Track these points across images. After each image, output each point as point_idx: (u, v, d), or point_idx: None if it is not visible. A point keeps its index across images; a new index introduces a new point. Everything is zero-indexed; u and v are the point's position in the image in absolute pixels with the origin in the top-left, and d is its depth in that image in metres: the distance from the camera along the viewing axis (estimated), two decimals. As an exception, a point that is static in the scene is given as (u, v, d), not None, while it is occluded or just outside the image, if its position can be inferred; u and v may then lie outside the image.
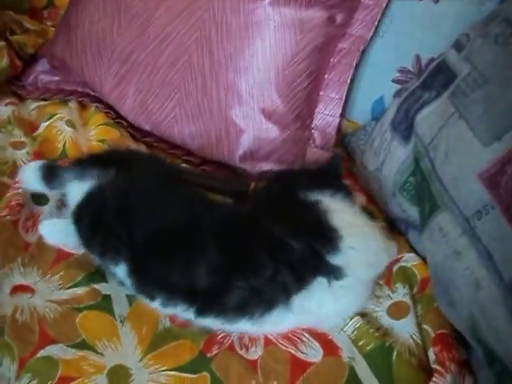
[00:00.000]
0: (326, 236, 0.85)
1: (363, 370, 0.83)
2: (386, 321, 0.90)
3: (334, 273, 0.84)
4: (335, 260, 0.84)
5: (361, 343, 0.86)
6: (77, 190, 0.91)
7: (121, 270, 0.87)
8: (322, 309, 0.86)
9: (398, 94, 1.10)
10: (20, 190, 1.00)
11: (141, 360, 0.83)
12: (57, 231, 0.94)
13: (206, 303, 0.83)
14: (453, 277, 0.82)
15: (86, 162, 0.97)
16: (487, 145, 0.81)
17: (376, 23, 1.13)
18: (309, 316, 0.86)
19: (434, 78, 0.99)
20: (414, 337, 0.87)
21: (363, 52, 1.17)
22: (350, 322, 0.89)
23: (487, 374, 0.78)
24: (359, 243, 0.86)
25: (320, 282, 0.84)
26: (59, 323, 0.85)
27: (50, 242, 0.93)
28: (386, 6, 1.14)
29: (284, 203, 0.92)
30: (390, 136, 1.03)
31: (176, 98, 1.14)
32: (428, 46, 1.12)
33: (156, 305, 0.86)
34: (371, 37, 1.16)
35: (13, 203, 0.97)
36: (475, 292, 0.78)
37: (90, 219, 0.88)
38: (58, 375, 0.79)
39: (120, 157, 0.99)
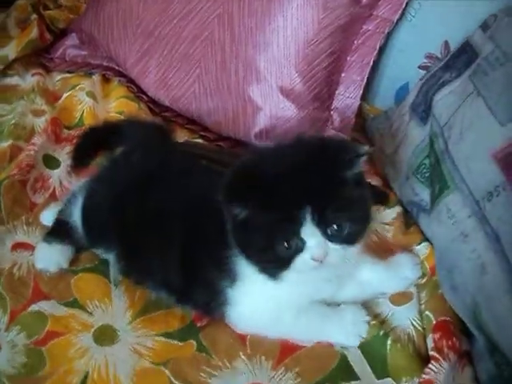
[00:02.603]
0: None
1: (356, 357, 0.79)
2: (387, 307, 0.86)
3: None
4: None
5: (357, 332, 0.83)
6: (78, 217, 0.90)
7: (111, 257, 0.89)
8: None
9: (422, 78, 1.06)
10: (32, 153, 1.01)
11: (130, 323, 0.82)
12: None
13: (182, 296, 0.82)
14: (458, 260, 0.78)
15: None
16: (504, 124, 0.77)
17: (404, 6, 1.09)
18: None
19: (457, 58, 0.95)
20: (415, 323, 0.82)
21: (390, 36, 1.14)
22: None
23: (487, 365, 0.73)
24: None
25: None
26: (54, 281, 0.86)
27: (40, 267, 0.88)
28: (416, -12, 1.09)
29: None
30: (408, 118, 1.00)
31: (196, 74, 1.14)
32: (458, 31, 1.07)
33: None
34: (399, 21, 1.12)
35: (23, 164, 0.99)
36: (480, 277, 0.73)
37: (87, 220, 0.89)
38: (46, 330, 0.79)
39: (112, 131, 0.99)
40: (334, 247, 0.70)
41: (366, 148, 0.72)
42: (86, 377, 0.74)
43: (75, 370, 0.74)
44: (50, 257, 0.88)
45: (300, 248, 0.70)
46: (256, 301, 0.78)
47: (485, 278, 0.73)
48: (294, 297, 0.78)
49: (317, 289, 0.79)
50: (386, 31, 1.10)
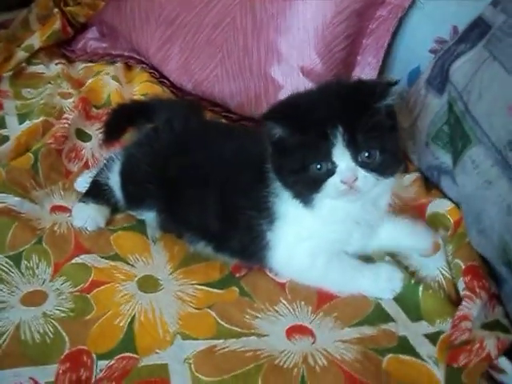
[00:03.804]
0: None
1: (390, 304, 0.83)
2: (416, 259, 0.90)
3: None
4: None
5: (389, 284, 0.87)
6: (115, 181, 0.94)
7: (151, 215, 0.92)
8: None
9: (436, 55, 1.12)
10: (66, 125, 1.04)
11: (171, 273, 0.85)
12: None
13: (219, 244, 0.86)
14: (484, 205, 0.82)
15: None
16: (520, 81, 0.83)
17: (414, -8, 1.16)
18: None
19: (470, 32, 1.01)
20: (443, 271, 0.86)
21: (401, 22, 1.20)
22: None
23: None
24: None
25: None
26: (94, 238, 0.89)
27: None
28: (425, -23, 1.17)
29: None
30: (425, 91, 1.05)
31: (218, 58, 1.19)
32: (465, 17, 1.14)
33: (184, 240, 0.90)
34: (410, 7, 1.19)
35: (58, 134, 1.03)
36: (507, 216, 0.78)
37: (127, 181, 0.93)
38: (90, 279, 0.82)
39: (142, 106, 1.04)
40: (364, 173, 0.75)
41: (395, 78, 0.78)
42: (132, 320, 0.76)
43: (122, 313, 0.76)
44: (88, 215, 0.91)
45: (331, 171, 0.74)
46: (290, 243, 0.81)
47: (511, 218, 0.77)
48: (328, 240, 0.82)
49: (348, 233, 0.83)
50: (399, 16, 1.17)
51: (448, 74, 0.99)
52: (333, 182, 0.75)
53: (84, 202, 0.92)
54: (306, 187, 0.77)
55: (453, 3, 1.17)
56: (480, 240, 0.83)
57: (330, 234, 0.82)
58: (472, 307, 0.77)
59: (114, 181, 0.93)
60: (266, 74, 1.15)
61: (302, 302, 0.81)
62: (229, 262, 0.87)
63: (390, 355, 0.74)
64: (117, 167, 0.94)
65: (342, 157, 0.74)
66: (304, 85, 1.14)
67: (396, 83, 0.76)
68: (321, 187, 0.76)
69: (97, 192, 0.93)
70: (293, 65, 1.14)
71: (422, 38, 1.20)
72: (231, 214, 0.83)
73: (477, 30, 0.99)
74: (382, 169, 0.76)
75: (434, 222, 0.94)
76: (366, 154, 0.74)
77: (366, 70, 1.17)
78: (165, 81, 1.26)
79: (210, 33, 1.20)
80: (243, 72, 1.17)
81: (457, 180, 0.90)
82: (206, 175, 0.86)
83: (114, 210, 0.94)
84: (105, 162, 0.97)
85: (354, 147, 0.73)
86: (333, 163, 0.74)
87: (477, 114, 0.88)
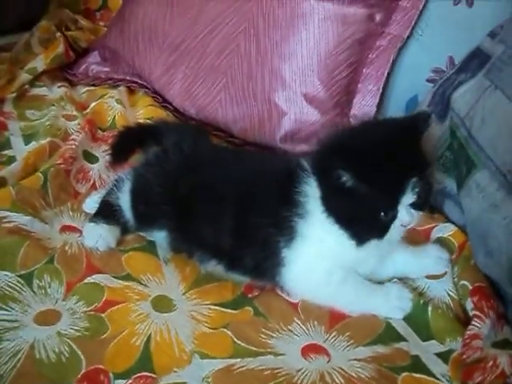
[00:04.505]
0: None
1: (400, 324, 0.84)
2: (423, 281, 0.91)
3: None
4: None
5: (398, 304, 0.88)
6: (124, 201, 0.94)
7: (162, 235, 0.92)
8: None
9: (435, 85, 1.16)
10: (73, 147, 1.05)
11: (184, 294, 0.85)
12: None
13: (231, 262, 0.87)
14: (490, 227, 0.85)
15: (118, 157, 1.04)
16: (522, 108, 0.86)
17: (413, 24, 1.21)
18: None
19: (469, 62, 1.05)
20: (451, 293, 0.88)
21: (399, 53, 1.25)
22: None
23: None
24: None
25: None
26: (105, 258, 0.89)
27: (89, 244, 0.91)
28: (422, 10, 1.22)
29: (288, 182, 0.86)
30: (426, 118, 1.09)
31: (222, 83, 1.21)
32: (462, 47, 1.18)
33: (194, 260, 0.90)
34: (408, 38, 1.23)
35: (66, 155, 1.03)
36: (513, 238, 0.80)
37: (137, 201, 0.93)
38: (104, 298, 0.81)
39: (150, 129, 1.06)
40: (416, 213, 0.79)
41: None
42: (148, 339, 0.75)
43: (138, 332, 0.76)
44: (99, 235, 0.91)
45: (395, 216, 0.78)
46: (309, 260, 0.83)
47: (518, 239, 0.80)
48: (345, 260, 0.83)
49: (366, 255, 0.84)
50: (398, 46, 1.21)
51: (449, 102, 1.03)
52: (395, 226, 0.79)
53: (95, 221, 0.92)
54: (372, 233, 0.80)
55: (449, 34, 1.22)
56: (487, 262, 0.86)
57: (350, 255, 0.83)
58: (482, 326, 0.79)
59: (124, 200, 0.94)
60: (270, 100, 1.18)
61: (315, 322, 0.82)
62: (241, 281, 0.88)
63: (405, 373, 0.75)
64: (126, 187, 0.94)
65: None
66: (307, 111, 1.17)
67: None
68: (386, 232, 0.79)
69: (107, 212, 0.93)
70: (296, 91, 1.16)
71: (419, 68, 1.25)
72: (246, 231, 0.84)
73: (476, 60, 1.04)
74: (424, 205, 0.81)
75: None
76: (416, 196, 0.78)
77: (366, 97, 1.21)
78: (168, 105, 1.28)
79: (214, 59, 1.22)
80: (247, 98, 1.19)
81: (462, 204, 0.92)
82: (220, 194, 0.87)
83: (124, 230, 0.94)
84: (114, 182, 0.97)
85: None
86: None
87: (481, 140, 0.91)
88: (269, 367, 0.73)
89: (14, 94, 1.25)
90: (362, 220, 0.79)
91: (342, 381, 0.72)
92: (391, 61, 1.21)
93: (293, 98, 1.17)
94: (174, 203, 0.90)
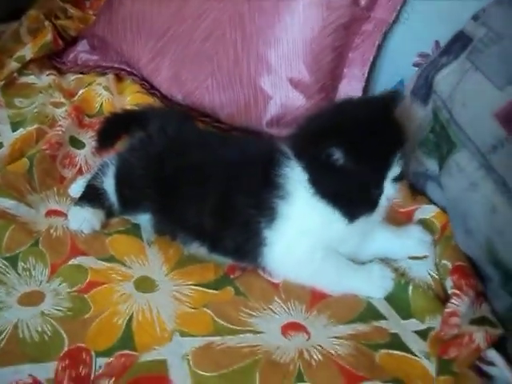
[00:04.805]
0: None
1: (381, 303, 0.86)
2: (405, 262, 0.92)
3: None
4: None
5: (379, 284, 0.89)
6: (109, 184, 0.96)
7: (146, 218, 0.94)
8: None
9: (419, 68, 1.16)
10: (60, 132, 1.06)
11: (166, 275, 0.86)
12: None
13: (213, 243, 0.88)
14: (470, 206, 0.86)
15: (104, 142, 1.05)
16: (502, 89, 0.87)
17: (398, 8, 1.21)
18: None
19: (452, 45, 1.05)
20: (432, 273, 0.89)
21: (386, 37, 1.25)
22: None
23: (503, 300, 0.80)
24: None
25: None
26: (90, 241, 0.90)
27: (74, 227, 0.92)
28: (408, -6, 1.22)
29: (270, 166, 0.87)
30: (410, 102, 1.09)
31: (208, 69, 1.22)
32: (448, 31, 1.18)
33: (178, 242, 0.92)
34: (394, 23, 1.23)
35: (53, 141, 1.04)
36: (491, 216, 0.81)
37: (122, 185, 0.95)
38: (87, 280, 0.83)
39: (136, 115, 1.08)
40: (396, 187, 0.82)
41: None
42: (130, 318, 0.77)
43: (120, 312, 0.77)
44: (84, 218, 0.92)
45: (383, 190, 0.81)
46: (291, 240, 0.84)
47: (496, 217, 0.80)
48: (327, 238, 0.85)
49: (348, 234, 0.86)
50: (384, 30, 1.21)
51: (432, 85, 1.03)
52: (382, 201, 0.81)
53: (80, 205, 0.93)
54: (364, 209, 0.82)
55: (435, 19, 1.22)
56: (467, 241, 0.87)
57: (335, 234, 0.85)
58: (460, 304, 0.80)
59: (109, 184, 0.95)
60: (256, 85, 1.18)
61: (296, 301, 0.83)
62: (223, 263, 0.89)
63: (383, 350, 0.76)
64: (111, 171, 0.95)
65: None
66: (292, 96, 1.18)
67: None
68: (376, 207, 0.81)
69: (92, 196, 0.94)
70: (281, 76, 1.17)
71: (405, 53, 1.25)
72: (228, 212, 0.85)
73: (459, 43, 1.04)
74: (400, 178, 0.83)
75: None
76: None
77: (352, 82, 1.21)
78: (155, 92, 1.29)
79: (200, 45, 1.23)
80: (233, 83, 1.20)
81: (442, 183, 0.93)
82: (204, 176, 0.88)
83: (109, 214, 0.95)
84: (99, 166, 0.98)
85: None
86: None
87: (461, 121, 0.92)
88: (248, 344, 0.74)
89: (3, 83, 1.25)
90: (354, 197, 0.80)
91: (321, 357, 0.73)
92: (376, 45, 1.21)
93: (278, 83, 1.17)
94: (157, 186, 0.91)
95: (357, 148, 0.77)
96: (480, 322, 0.78)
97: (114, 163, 0.96)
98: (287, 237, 0.83)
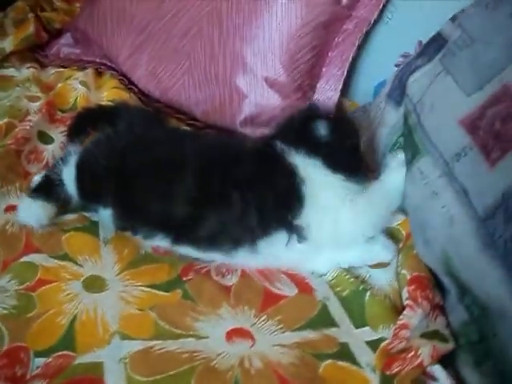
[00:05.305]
0: (293, 200, 0.87)
1: (336, 308, 0.84)
2: (365, 270, 0.91)
3: (296, 232, 0.87)
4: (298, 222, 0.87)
5: (338, 289, 0.88)
6: (68, 173, 0.94)
7: (107, 213, 0.92)
8: (289, 255, 0.88)
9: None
10: (28, 127, 1.05)
11: (118, 274, 0.85)
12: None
13: (182, 232, 0.87)
14: (429, 216, 0.83)
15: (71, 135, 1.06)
16: (470, 94, 0.84)
17: (380, 7, 1.18)
18: (276, 259, 0.89)
19: (428, 46, 1.03)
20: (391, 282, 0.87)
21: (368, 37, 1.23)
22: (330, 270, 0.90)
23: (459, 313, 0.78)
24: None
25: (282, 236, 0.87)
26: (46, 238, 0.90)
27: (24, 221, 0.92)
28: (392, -7, 1.19)
29: (270, 159, 0.92)
30: (384, 104, 1.07)
31: (185, 66, 1.21)
32: (432, 31, 1.16)
33: (139, 237, 0.91)
34: (377, 22, 1.21)
35: (19, 136, 1.03)
36: (449, 228, 0.78)
37: (83, 175, 0.93)
38: (37, 278, 0.82)
39: (107, 111, 1.07)
40: None
41: None
42: (74, 318, 0.76)
43: (64, 311, 0.76)
44: (32, 212, 0.91)
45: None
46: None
47: (453, 228, 0.78)
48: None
49: None
50: (365, 30, 1.19)
51: (405, 87, 1.01)
52: None
53: (32, 197, 0.92)
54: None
55: (420, 19, 1.19)
56: (425, 251, 0.84)
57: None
58: (412, 316, 0.77)
59: (68, 174, 0.93)
60: (231, 83, 1.17)
61: (246, 306, 0.82)
62: (179, 263, 0.88)
63: (329, 361, 0.74)
64: (73, 161, 0.94)
65: None
66: (267, 95, 1.16)
67: None
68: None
69: (47, 187, 0.93)
70: (257, 75, 1.15)
71: (388, 53, 1.22)
72: (208, 199, 0.86)
73: (435, 44, 1.01)
74: None
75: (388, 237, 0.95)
76: None
77: (330, 81, 1.19)
78: (133, 88, 1.28)
79: (177, 42, 1.21)
80: (209, 81, 1.18)
81: (405, 191, 0.90)
82: (179, 165, 0.88)
83: (65, 207, 0.95)
84: (60, 156, 0.97)
85: None
86: None
87: (427, 126, 0.89)
88: (188, 350, 0.73)
89: (-19, 75, 1.25)
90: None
91: (261, 366, 0.72)
92: (356, 45, 1.19)
93: (254, 82, 1.16)
94: (119, 180, 0.90)
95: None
96: (431, 335, 0.76)
97: (77, 153, 0.95)
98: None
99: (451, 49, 0.94)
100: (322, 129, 0.90)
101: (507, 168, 0.73)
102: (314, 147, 0.89)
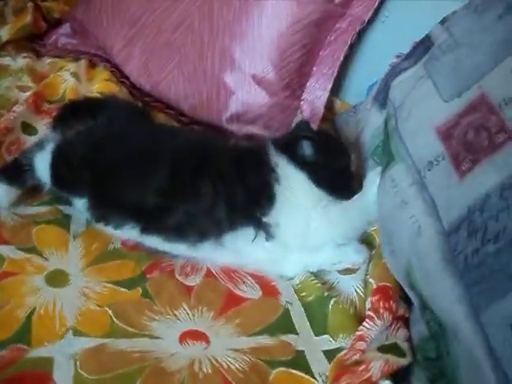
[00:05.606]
0: (263, 197, 0.87)
1: (298, 314, 0.84)
2: (334, 276, 0.90)
3: (263, 229, 0.87)
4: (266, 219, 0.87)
5: (303, 294, 0.87)
6: (42, 159, 0.94)
7: (82, 202, 0.93)
8: (256, 253, 0.88)
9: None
10: (11, 118, 1.06)
11: (82, 270, 0.85)
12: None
13: (150, 221, 0.87)
14: (397, 226, 0.81)
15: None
16: (448, 101, 0.81)
17: (375, 6, 1.15)
18: (243, 256, 0.88)
19: (416, 48, 1.00)
20: (358, 290, 0.86)
21: (363, 36, 1.20)
22: (298, 274, 0.89)
23: (419, 327, 0.76)
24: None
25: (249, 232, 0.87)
26: (16, 230, 0.90)
27: None
28: (388, -8, 1.16)
29: (247, 156, 0.94)
30: (370, 106, 1.05)
31: (175, 61, 1.20)
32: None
33: (110, 228, 0.91)
34: (373, 21, 1.18)
35: (1, 126, 1.04)
36: (415, 239, 0.76)
37: (58, 163, 0.93)
38: (2, 270, 0.82)
39: (92, 104, 1.08)
40: None
41: None
42: (32, 312, 0.76)
43: (23, 304, 0.77)
44: None
45: None
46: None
47: (419, 240, 0.75)
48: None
49: None
50: (358, 29, 1.16)
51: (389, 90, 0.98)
52: None
53: None
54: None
55: (418, 18, 1.16)
56: (391, 260, 0.82)
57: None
58: (371, 328, 0.76)
59: (43, 159, 0.94)
60: (219, 79, 1.16)
61: (205, 308, 0.82)
62: (148, 258, 0.88)
63: (281, 368, 0.74)
64: (49, 147, 0.95)
65: None
66: (254, 92, 1.14)
67: None
68: None
69: (13, 171, 0.94)
70: (245, 72, 1.14)
71: (383, 53, 1.18)
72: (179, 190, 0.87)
73: (422, 47, 0.98)
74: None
75: (362, 241, 0.93)
76: None
77: (320, 80, 1.17)
78: (125, 81, 1.28)
79: (169, 35, 1.21)
80: (198, 75, 1.17)
81: (377, 198, 0.88)
82: (155, 156, 0.90)
83: (41, 201, 0.96)
84: (36, 141, 0.98)
85: None
86: None
87: (403, 132, 0.87)
88: (140, 350, 0.73)
89: (-25, 64, 1.26)
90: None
91: (210, 370, 0.71)
92: (348, 44, 1.16)
93: (241, 79, 1.14)
94: (94, 168, 0.90)
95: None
96: (388, 349, 0.74)
97: (55, 141, 0.96)
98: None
99: (435, 53, 0.91)
100: (307, 148, 0.91)
101: (475, 181, 0.71)
102: (299, 164, 0.91)
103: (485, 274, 0.64)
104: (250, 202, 0.87)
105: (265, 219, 0.86)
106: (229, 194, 0.86)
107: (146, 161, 0.90)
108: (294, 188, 0.89)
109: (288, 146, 0.92)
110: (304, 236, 0.87)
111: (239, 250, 0.87)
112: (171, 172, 0.87)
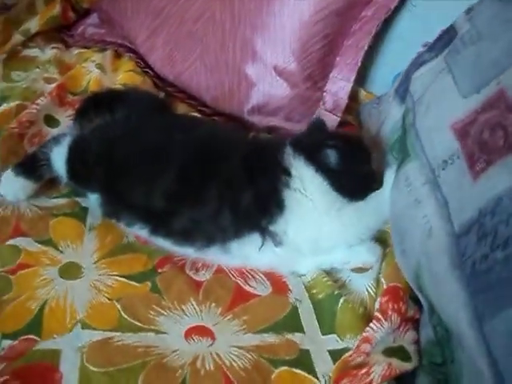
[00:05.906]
0: (271, 205, 0.86)
1: (307, 311, 0.83)
2: (346, 274, 0.89)
3: (270, 237, 0.86)
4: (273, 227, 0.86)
5: (314, 291, 0.86)
6: (58, 153, 0.95)
7: (95, 197, 0.94)
8: (265, 257, 0.87)
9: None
10: (34, 111, 1.08)
11: (95, 263, 0.87)
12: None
13: (158, 224, 0.88)
14: (409, 225, 0.79)
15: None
16: (466, 97, 0.78)
17: (404, -7, 1.11)
18: (252, 261, 0.88)
19: (439, 40, 0.96)
20: (369, 289, 0.85)
21: (390, 24, 1.16)
22: (311, 271, 0.89)
23: (427, 330, 0.74)
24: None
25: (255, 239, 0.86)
26: (34, 222, 0.92)
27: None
28: (416, -20, 1.12)
29: (261, 157, 0.92)
30: (392, 99, 1.02)
31: (198, 51, 1.19)
32: (455, 20, 1.09)
33: (121, 225, 0.92)
34: (400, 9, 1.14)
35: (24, 119, 1.06)
36: (426, 240, 0.74)
37: (74, 158, 0.95)
38: (19, 261, 0.84)
39: (113, 97, 1.08)
40: None
41: None
42: (44, 304, 0.78)
43: (36, 296, 0.79)
44: (11, 187, 0.94)
45: None
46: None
47: (430, 242, 0.73)
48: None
49: None
50: (383, 17, 1.12)
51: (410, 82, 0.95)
52: None
53: (15, 172, 0.95)
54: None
55: (446, 6, 1.11)
56: (402, 260, 0.81)
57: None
58: (378, 330, 0.75)
59: (59, 153, 0.95)
60: (240, 70, 1.14)
61: (213, 304, 0.82)
62: (157, 253, 0.89)
63: (284, 368, 0.74)
64: (66, 142, 0.96)
65: None
66: (276, 84, 1.13)
67: None
68: None
69: (31, 165, 0.96)
70: (266, 63, 1.12)
71: (409, 42, 1.15)
72: (185, 194, 0.86)
73: (446, 38, 0.95)
74: None
75: (376, 239, 0.91)
76: None
77: (344, 71, 1.14)
78: (149, 71, 1.28)
79: (191, 26, 1.20)
80: (219, 66, 1.17)
81: (390, 197, 0.86)
82: (167, 156, 0.89)
83: (60, 193, 0.98)
84: (54, 136, 1.00)
85: None
86: None
87: (420, 128, 0.84)
88: (145, 344, 0.74)
89: (5, 55, 1.28)
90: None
91: (212, 368, 0.72)
92: (373, 33, 1.13)
93: (263, 70, 1.13)
94: (108, 166, 0.91)
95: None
96: (393, 352, 0.73)
97: (72, 134, 0.97)
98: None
99: (457, 45, 0.87)
100: (332, 157, 0.88)
101: (488, 183, 0.68)
102: (322, 171, 0.88)
103: (492, 282, 0.61)
104: (256, 210, 0.85)
105: (272, 228, 0.85)
106: (234, 200, 0.85)
107: (155, 161, 0.90)
108: (310, 191, 0.86)
109: (311, 153, 0.89)
110: (315, 241, 0.86)
111: (247, 256, 0.87)
112: (178, 175, 0.87)
